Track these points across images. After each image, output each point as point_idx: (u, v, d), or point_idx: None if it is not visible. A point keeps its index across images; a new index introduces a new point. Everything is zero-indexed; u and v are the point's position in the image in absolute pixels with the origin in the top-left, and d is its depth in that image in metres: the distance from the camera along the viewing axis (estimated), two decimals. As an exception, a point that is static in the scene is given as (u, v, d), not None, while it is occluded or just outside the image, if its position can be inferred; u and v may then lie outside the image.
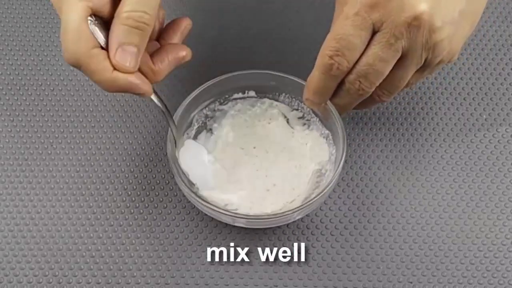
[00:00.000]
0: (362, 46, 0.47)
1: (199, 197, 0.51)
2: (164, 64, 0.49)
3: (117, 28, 0.44)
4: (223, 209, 0.51)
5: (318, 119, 0.57)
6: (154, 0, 0.45)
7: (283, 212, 0.50)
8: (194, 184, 0.54)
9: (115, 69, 0.45)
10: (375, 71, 0.48)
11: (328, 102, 0.53)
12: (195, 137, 0.58)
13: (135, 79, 0.46)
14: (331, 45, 0.48)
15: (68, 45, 0.44)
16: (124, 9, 0.44)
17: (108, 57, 0.45)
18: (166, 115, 0.52)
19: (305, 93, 0.53)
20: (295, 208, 0.50)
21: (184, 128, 0.56)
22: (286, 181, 0.56)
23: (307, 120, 0.58)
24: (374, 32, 0.47)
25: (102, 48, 0.45)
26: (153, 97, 0.49)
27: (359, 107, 0.54)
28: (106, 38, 0.45)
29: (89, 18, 0.44)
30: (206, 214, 0.56)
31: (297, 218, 0.53)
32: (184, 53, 0.50)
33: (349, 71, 0.49)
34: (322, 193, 0.51)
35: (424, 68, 0.49)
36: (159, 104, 0.50)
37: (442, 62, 0.50)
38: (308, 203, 0.50)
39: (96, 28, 0.45)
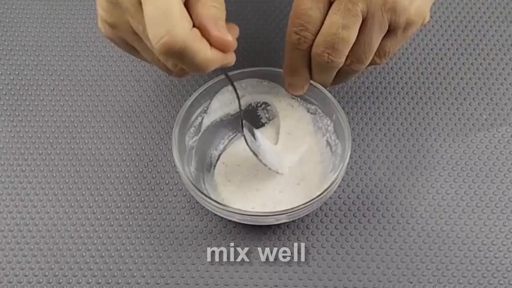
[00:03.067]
0: (322, 16, 0.49)
1: (220, 204, 0.51)
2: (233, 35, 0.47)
3: (207, 9, 0.44)
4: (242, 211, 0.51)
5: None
6: None
7: (292, 208, 0.51)
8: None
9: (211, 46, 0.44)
10: (341, 39, 0.49)
11: (333, 104, 0.53)
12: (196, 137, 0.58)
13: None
14: (295, 21, 0.50)
15: (174, 29, 0.41)
16: None
17: (202, 35, 0.44)
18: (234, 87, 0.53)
19: (284, 78, 0.54)
20: (306, 203, 0.51)
21: (186, 129, 0.56)
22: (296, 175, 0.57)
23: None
24: (331, 2, 0.49)
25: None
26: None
27: (338, 81, 0.54)
28: None
29: None
30: (206, 214, 0.56)
31: (306, 213, 0.53)
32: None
33: (317, 44, 0.50)
34: (329, 189, 0.51)
35: (394, 32, 0.50)
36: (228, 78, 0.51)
37: (413, 24, 0.50)
38: (314, 200, 0.51)
39: None
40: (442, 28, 0.67)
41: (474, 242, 0.55)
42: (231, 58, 0.46)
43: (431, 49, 0.65)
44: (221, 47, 0.44)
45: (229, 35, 0.44)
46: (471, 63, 0.64)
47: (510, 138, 0.60)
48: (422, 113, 0.61)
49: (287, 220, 0.53)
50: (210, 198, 0.51)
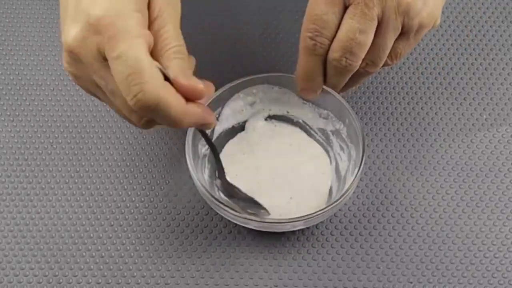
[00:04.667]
0: (337, 21, 0.49)
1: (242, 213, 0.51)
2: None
3: (174, 62, 0.44)
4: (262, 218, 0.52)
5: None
6: (180, 33, 0.45)
7: (310, 214, 0.50)
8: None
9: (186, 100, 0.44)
10: (358, 44, 0.49)
11: (347, 110, 0.54)
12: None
13: (204, 107, 0.45)
14: (309, 27, 0.49)
15: (146, 86, 0.41)
16: (170, 46, 0.44)
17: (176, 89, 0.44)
18: (213, 150, 0.54)
19: (298, 83, 0.54)
20: (322, 209, 0.50)
21: (199, 137, 0.55)
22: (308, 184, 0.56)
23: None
24: (346, 6, 0.48)
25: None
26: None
27: (349, 84, 0.54)
28: None
29: None
30: (206, 214, 0.56)
31: (321, 220, 0.53)
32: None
33: (334, 49, 0.49)
34: (344, 196, 0.51)
35: (407, 34, 0.50)
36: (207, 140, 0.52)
37: (425, 26, 0.50)
38: (332, 205, 0.51)
39: None
40: (442, 28, 0.67)
41: (474, 242, 0.55)
42: (210, 118, 0.46)
43: (431, 49, 0.65)
44: (191, 96, 0.44)
45: (199, 83, 0.44)
46: (471, 63, 0.64)
47: (510, 138, 0.60)
48: (422, 113, 0.61)
49: (303, 227, 0.53)
50: (227, 206, 0.51)
